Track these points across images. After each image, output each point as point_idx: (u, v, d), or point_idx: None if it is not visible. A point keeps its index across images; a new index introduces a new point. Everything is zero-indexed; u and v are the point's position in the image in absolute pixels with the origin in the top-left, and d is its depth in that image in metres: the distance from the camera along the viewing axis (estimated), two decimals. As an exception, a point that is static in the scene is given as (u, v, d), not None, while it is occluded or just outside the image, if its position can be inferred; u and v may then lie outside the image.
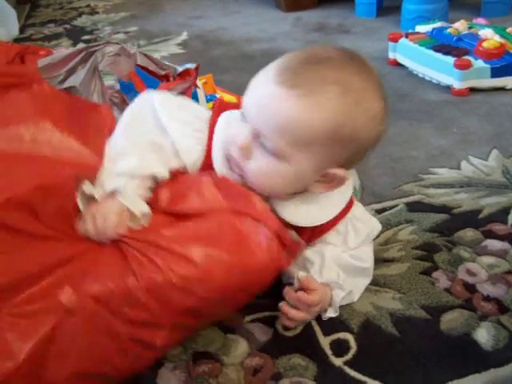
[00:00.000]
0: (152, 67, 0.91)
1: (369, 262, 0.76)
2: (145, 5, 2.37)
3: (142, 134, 0.69)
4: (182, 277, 0.59)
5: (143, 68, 0.91)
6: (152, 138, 0.68)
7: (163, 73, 0.91)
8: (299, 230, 0.71)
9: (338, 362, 0.67)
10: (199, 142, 0.70)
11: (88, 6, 2.47)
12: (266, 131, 0.64)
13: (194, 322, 0.65)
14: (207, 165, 0.69)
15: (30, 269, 0.58)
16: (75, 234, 0.62)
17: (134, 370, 0.64)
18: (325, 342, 0.70)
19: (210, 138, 0.70)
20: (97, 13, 2.34)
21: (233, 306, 0.69)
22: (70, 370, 0.59)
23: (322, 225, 0.72)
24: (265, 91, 0.64)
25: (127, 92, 0.92)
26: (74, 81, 0.85)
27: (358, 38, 1.73)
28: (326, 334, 0.71)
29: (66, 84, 0.85)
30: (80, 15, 2.32)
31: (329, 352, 0.69)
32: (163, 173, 0.67)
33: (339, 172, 0.67)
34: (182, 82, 0.90)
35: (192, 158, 0.69)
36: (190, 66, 0.95)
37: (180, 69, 0.93)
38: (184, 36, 1.90)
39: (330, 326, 0.71)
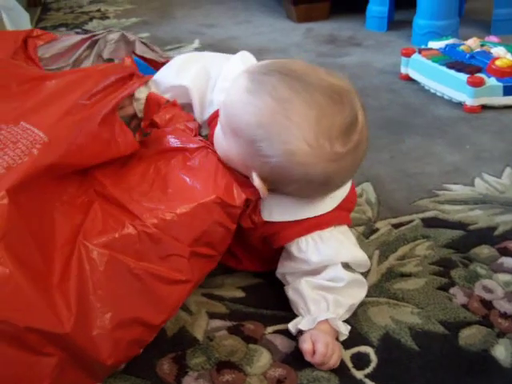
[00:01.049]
0: (150, 55, 0.94)
1: (343, 281, 0.73)
2: (156, 11, 2.38)
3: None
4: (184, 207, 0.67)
5: (139, 56, 0.94)
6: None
7: (163, 60, 0.94)
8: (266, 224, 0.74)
9: (359, 374, 0.69)
10: None
11: (99, 10, 2.48)
12: (222, 103, 0.72)
13: (210, 252, 0.71)
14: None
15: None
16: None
17: (167, 311, 0.68)
18: (346, 355, 0.71)
19: None
20: (108, 18, 2.35)
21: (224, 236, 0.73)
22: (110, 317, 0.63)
23: (283, 229, 0.74)
24: (238, 72, 0.71)
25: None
26: None
27: (369, 51, 1.75)
28: (347, 347, 0.72)
29: None
30: (91, 19, 2.33)
31: (350, 365, 0.70)
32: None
33: (256, 180, 0.69)
34: None
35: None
36: None
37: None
38: (196, 44, 1.92)
39: (351, 339, 0.73)
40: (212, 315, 0.78)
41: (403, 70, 1.49)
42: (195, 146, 0.73)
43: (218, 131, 0.73)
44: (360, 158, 0.70)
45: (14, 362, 0.59)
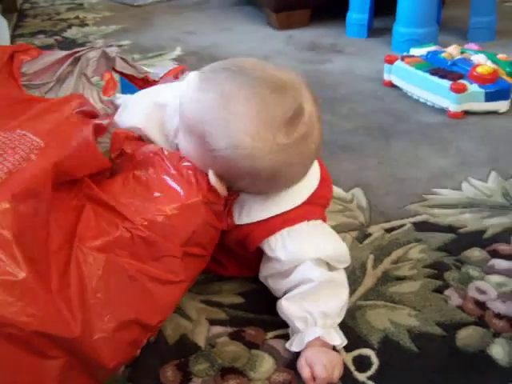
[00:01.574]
0: (129, 71, 0.95)
1: (314, 282, 0.72)
2: (135, 18, 2.38)
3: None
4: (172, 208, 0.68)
5: (119, 72, 0.95)
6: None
7: (142, 76, 0.95)
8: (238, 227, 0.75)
9: (361, 377, 0.70)
10: None
11: (77, 17, 2.46)
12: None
13: (201, 252, 0.72)
14: None
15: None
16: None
17: (162, 311, 0.69)
18: (347, 358, 0.72)
19: None
20: (87, 25, 2.34)
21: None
22: (110, 320, 0.63)
23: (252, 230, 0.74)
24: (194, 72, 0.72)
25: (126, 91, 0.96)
26: (66, 91, 0.88)
27: (351, 58, 1.77)
28: (348, 350, 0.73)
29: (60, 94, 0.87)
30: (70, 27, 2.31)
31: (352, 368, 0.71)
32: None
33: (212, 178, 0.70)
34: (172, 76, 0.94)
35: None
36: (168, 68, 0.99)
37: (162, 71, 0.97)
38: (178, 51, 1.92)
39: (351, 342, 0.74)
40: (212, 322, 0.79)
41: (386, 77, 1.52)
42: (167, 153, 0.74)
43: (180, 134, 0.74)
44: (311, 150, 0.70)
45: (21, 365, 0.58)
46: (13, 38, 2.17)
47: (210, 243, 0.74)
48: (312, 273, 0.72)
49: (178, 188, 0.69)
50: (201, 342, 0.76)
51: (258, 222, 0.74)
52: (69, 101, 0.72)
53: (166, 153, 0.72)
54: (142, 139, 0.77)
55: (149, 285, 0.66)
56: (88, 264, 0.62)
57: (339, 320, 0.73)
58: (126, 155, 0.73)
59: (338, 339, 0.71)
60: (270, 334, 0.76)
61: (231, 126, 0.66)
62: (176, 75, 0.89)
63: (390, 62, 1.50)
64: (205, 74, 0.70)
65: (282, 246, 0.73)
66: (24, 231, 0.58)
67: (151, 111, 0.79)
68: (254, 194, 0.73)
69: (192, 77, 0.71)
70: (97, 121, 0.69)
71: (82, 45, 2.05)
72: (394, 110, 1.39)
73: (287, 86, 0.68)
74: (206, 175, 0.70)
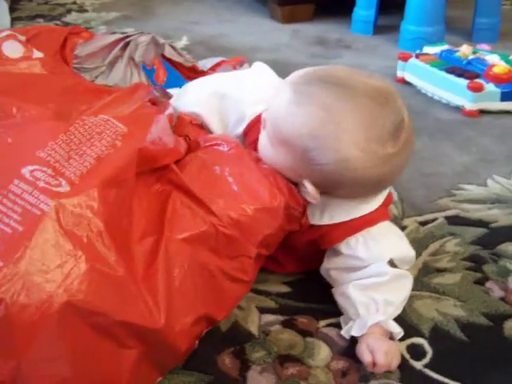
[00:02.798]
0: (178, 59, 0.94)
1: (386, 276, 0.74)
2: (136, 6, 2.35)
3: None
4: (255, 210, 0.68)
5: (168, 59, 0.95)
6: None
7: (189, 65, 0.95)
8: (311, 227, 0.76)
9: (418, 365, 0.72)
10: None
11: (74, 2, 2.42)
12: (267, 115, 0.73)
13: (265, 253, 0.74)
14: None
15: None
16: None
17: (228, 308, 0.71)
18: (401, 346, 0.74)
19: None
20: (86, 11, 2.30)
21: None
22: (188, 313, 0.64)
23: (331, 231, 0.76)
24: (282, 84, 0.72)
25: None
26: (115, 76, 0.87)
27: (360, 54, 1.79)
28: (401, 338, 0.75)
29: (110, 81, 0.87)
30: (69, 12, 2.27)
31: (407, 356, 0.73)
32: None
33: (308, 187, 0.71)
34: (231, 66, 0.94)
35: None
36: (217, 59, 0.99)
37: (210, 62, 0.97)
38: (185, 41, 1.91)
39: (403, 330, 0.75)
40: (262, 310, 0.79)
41: (399, 74, 1.54)
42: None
43: (265, 142, 0.74)
44: (409, 154, 0.73)
45: (100, 353, 0.58)
46: (12, 21, 2.13)
47: (275, 244, 0.75)
48: (386, 268, 0.74)
49: (262, 189, 0.69)
50: (254, 329, 0.76)
51: (340, 223, 0.75)
52: (135, 90, 0.71)
53: (245, 149, 0.72)
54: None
55: (223, 282, 0.67)
56: (176, 255, 0.62)
57: (398, 312, 0.75)
58: (192, 142, 0.72)
59: (398, 327, 0.73)
60: (322, 323, 0.78)
61: (340, 140, 0.66)
62: (234, 66, 0.89)
63: (404, 59, 1.52)
64: (298, 86, 0.69)
65: (364, 246, 0.75)
66: (111, 219, 0.58)
67: (211, 99, 0.79)
68: (342, 198, 0.74)
69: (279, 89, 0.71)
70: (169, 109, 0.69)
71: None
72: (410, 107, 1.38)
73: (386, 95, 0.69)
74: (286, 180, 0.71)
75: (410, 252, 0.79)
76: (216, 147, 0.73)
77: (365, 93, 0.68)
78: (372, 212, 0.76)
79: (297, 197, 0.72)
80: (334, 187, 0.72)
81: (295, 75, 0.72)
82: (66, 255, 0.56)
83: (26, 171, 0.59)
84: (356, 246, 0.76)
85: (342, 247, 0.77)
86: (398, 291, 0.75)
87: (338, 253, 0.78)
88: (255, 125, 0.79)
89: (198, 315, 0.65)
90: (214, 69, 0.92)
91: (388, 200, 0.82)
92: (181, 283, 0.62)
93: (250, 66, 0.90)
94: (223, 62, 0.93)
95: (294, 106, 0.68)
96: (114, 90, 0.71)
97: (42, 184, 0.58)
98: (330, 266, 0.79)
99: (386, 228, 0.78)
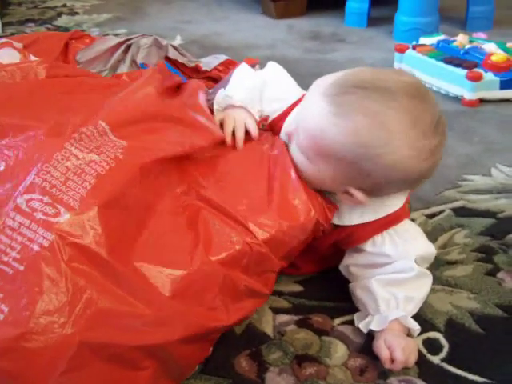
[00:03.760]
0: (181, 60, 0.93)
1: (412, 272, 0.75)
2: (126, 6, 2.33)
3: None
4: (289, 226, 0.68)
5: (171, 61, 0.94)
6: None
7: (193, 65, 0.94)
8: (336, 228, 0.76)
9: (435, 359, 0.72)
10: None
11: (64, 5, 2.40)
12: (300, 129, 0.71)
13: (285, 265, 0.74)
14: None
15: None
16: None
17: (240, 321, 0.71)
18: (418, 341, 0.74)
19: (286, 113, 0.80)
20: (77, 13, 2.28)
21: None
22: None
23: (357, 231, 0.76)
24: (313, 96, 0.70)
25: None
26: None
27: (355, 47, 1.79)
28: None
29: None
30: (59, 15, 2.25)
31: (424, 351, 0.73)
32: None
33: (357, 194, 0.71)
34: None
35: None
36: (221, 57, 0.98)
37: (214, 62, 0.96)
38: (179, 40, 1.89)
39: (419, 325, 0.75)
40: (276, 310, 0.79)
41: (397, 65, 1.54)
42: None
43: (298, 157, 0.72)
44: (444, 144, 0.72)
45: (115, 380, 0.58)
46: (2, 26, 2.11)
47: (295, 255, 0.74)
48: (413, 265, 0.74)
49: (299, 204, 0.68)
50: (269, 330, 0.76)
51: (367, 222, 0.75)
52: (150, 83, 0.69)
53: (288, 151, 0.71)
54: None
55: (244, 296, 0.66)
56: (208, 277, 0.61)
57: (416, 310, 0.75)
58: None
59: (417, 325, 0.73)
60: (337, 321, 0.77)
61: (390, 143, 0.65)
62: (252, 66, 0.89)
63: (401, 50, 1.52)
64: (335, 97, 0.67)
65: (391, 243, 0.75)
66: (116, 243, 0.57)
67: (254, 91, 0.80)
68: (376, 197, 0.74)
69: (312, 102, 0.69)
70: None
71: (77, 34, 2.00)
72: (409, 99, 1.41)
73: (422, 90, 0.69)
74: (313, 192, 0.71)
75: (432, 249, 0.79)
76: (260, 145, 0.72)
77: (403, 92, 0.67)
78: (397, 209, 0.76)
79: (326, 213, 0.72)
80: (379, 189, 0.71)
81: (324, 86, 0.69)
82: (71, 291, 0.54)
83: (21, 201, 0.57)
84: (382, 244, 0.76)
85: (367, 245, 0.77)
86: (419, 289, 0.76)
87: (360, 250, 0.78)
88: (277, 124, 0.79)
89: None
90: (218, 68, 0.91)
91: (408, 197, 0.82)
92: (206, 301, 0.62)
93: (261, 67, 0.89)
94: (228, 60, 0.92)
95: (336, 118, 0.66)
96: (123, 82, 0.69)
97: (39, 216, 0.56)
98: (351, 263, 0.79)
99: (408, 225, 0.79)
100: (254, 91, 0.81)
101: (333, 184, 0.72)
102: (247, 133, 0.77)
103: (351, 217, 0.75)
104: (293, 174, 0.70)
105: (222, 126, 0.77)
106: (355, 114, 0.66)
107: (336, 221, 0.75)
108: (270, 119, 0.81)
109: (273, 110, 0.81)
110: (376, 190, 0.71)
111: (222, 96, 0.81)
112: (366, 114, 0.65)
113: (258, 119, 0.80)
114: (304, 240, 0.71)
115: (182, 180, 0.66)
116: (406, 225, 0.77)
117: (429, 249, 0.78)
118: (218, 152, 0.71)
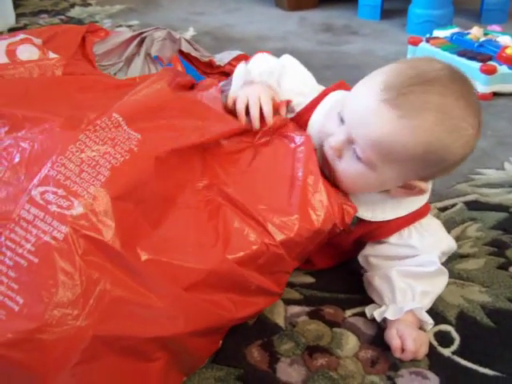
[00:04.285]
0: (194, 54, 0.94)
1: (433, 266, 0.76)
2: (138, -2, 2.34)
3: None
4: (308, 230, 0.67)
5: (184, 54, 0.94)
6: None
7: (206, 59, 0.94)
8: (362, 224, 0.76)
9: (446, 352, 0.72)
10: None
11: (77, -4, 2.41)
12: (361, 141, 0.69)
13: (297, 265, 0.74)
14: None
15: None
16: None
17: (249, 317, 0.72)
18: (429, 333, 0.74)
19: (309, 108, 0.78)
20: (90, 4, 2.29)
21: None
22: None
23: (384, 225, 0.76)
24: (368, 105, 0.68)
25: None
26: (134, 73, 0.87)
27: (368, 39, 1.78)
28: (428, 326, 0.75)
29: (129, 75, 0.86)
30: (72, 6, 2.26)
31: (435, 343, 0.73)
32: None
33: (421, 184, 0.72)
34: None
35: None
36: (235, 53, 0.98)
37: (227, 57, 0.96)
38: (191, 32, 1.90)
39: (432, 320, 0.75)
40: (287, 301, 0.80)
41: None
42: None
43: (355, 168, 0.70)
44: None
45: (127, 372, 0.58)
46: (15, 17, 2.12)
47: (307, 256, 0.75)
48: (436, 259, 0.76)
49: (320, 207, 0.67)
50: (280, 321, 0.76)
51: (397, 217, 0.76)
52: (162, 78, 0.70)
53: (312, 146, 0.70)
54: None
55: (257, 295, 0.67)
56: (223, 276, 0.62)
57: (430, 305, 0.75)
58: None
59: (430, 318, 0.73)
60: (349, 312, 0.78)
61: (462, 131, 0.67)
62: None
63: (415, 43, 1.51)
64: (394, 100, 0.65)
65: (418, 236, 0.76)
66: (130, 236, 0.57)
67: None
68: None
69: (371, 110, 0.67)
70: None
71: (90, 25, 2.01)
72: (422, 92, 1.40)
73: (459, 73, 0.70)
74: (335, 194, 0.71)
75: (453, 244, 0.80)
76: (284, 139, 0.72)
77: (447, 78, 0.68)
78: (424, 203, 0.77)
79: (343, 217, 0.72)
80: (436, 173, 0.73)
81: (380, 91, 0.66)
82: (85, 283, 0.55)
83: (36, 193, 0.57)
84: (409, 237, 0.77)
85: (392, 237, 0.77)
86: (436, 285, 0.76)
87: (383, 241, 0.78)
88: (302, 117, 0.78)
89: None
90: (231, 63, 0.91)
91: None
92: (218, 297, 0.63)
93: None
94: (242, 55, 0.92)
95: (403, 121, 0.65)
96: (136, 83, 0.70)
97: (53, 208, 0.56)
98: (372, 254, 0.79)
99: (431, 219, 0.80)
100: (273, 71, 0.80)
101: (395, 182, 0.72)
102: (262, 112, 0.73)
103: (385, 212, 0.75)
104: (316, 177, 0.69)
105: (235, 104, 0.74)
106: (420, 111, 0.66)
107: (369, 217, 0.75)
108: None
109: (295, 104, 0.79)
110: (433, 176, 0.73)
111: (241, 70, 0.80)
112: (430, 108, 0.66)
113: (277, 99, 0.77)
114: (319, 242, 0.71)
115: (204, 174, 0.66)
116: (428, 219, 0.78)
117: (451, 244, 0.79)
118: (243, 147, 0.71)
